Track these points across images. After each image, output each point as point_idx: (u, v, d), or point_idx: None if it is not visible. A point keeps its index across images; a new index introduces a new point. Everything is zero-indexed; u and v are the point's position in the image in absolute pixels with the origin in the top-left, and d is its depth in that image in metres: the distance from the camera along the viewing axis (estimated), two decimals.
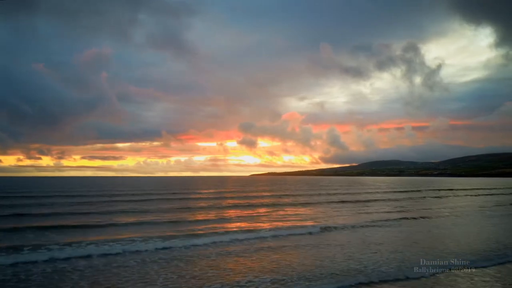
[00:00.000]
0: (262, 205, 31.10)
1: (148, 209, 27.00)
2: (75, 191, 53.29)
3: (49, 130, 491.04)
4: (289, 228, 17.84)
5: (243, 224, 19.32)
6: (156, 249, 13.04)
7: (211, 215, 23.51)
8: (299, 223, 19.57)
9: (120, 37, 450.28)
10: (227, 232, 16.26)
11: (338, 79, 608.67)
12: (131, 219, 21.04)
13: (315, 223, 19.39)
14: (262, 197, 42.52)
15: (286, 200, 37.62)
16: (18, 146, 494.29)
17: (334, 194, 48.91)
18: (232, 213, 25.09)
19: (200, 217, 22.38)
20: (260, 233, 16.10)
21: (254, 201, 35.28)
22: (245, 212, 25.76)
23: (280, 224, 19.43)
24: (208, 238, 14.73)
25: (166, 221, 19.99)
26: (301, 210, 27.21)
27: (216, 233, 16.07)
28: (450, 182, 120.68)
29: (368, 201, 36.47)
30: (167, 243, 13.71)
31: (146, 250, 12.76)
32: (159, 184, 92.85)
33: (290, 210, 27.10)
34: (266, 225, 18.82)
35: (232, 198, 40.76)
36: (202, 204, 32.32)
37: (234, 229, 17.22)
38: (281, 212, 25.62)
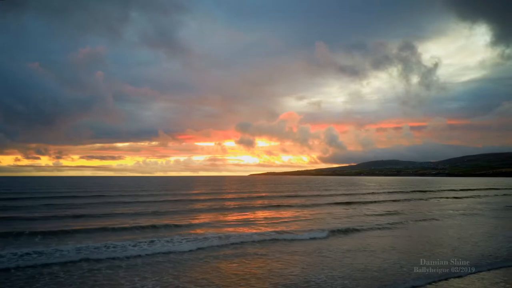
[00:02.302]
0: (237, 208, 29.46)
1: (122, 212, 25.30)
2: (59, 191, 51.63)
3: (47, 130, 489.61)
4: (240, 236, 16.15)
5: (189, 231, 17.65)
6: (72, 261, 11.39)
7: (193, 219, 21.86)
8: (265, 229, 17.93)
9: (113, 35, 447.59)
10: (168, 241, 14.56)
11: (337, 79, 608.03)
12: (94, 223, 19.39)
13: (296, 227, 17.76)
14: (243, 199, 40.91)
15: (263, 201, 36.00)
16: (15, 145, 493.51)
17: (324, 196, 47.34)
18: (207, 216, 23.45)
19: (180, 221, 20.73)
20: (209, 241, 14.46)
21: (228, 203, 33.66)
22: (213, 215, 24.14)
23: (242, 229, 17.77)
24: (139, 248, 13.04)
25: (134, 226, 18.30)
26: (284, 213, 25.60)
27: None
28: (446, 182, 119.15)
29: (351, 203, 34.90)
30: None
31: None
32: (155, 185, 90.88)
33: (268, 212, 25.49)
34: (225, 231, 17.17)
35: (219, 200, 39.15)
36: (194, 206, 30.68)
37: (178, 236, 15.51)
38: (262, 214, 24.00)
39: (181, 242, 14.27)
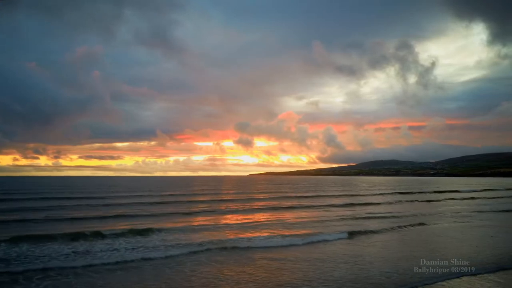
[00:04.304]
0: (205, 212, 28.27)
1: (85, 216, 24.07)
2: (42, 192, 50.39)
3: (45, 130, 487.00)
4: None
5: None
6: None
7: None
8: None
9: (111, 35, 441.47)
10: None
11: (336, 79, 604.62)
12: (34, 229, 18.16)
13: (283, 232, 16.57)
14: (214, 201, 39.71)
15: (239, 205, 34.83)
16: (13, 145, 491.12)
17: (311, 197, 46.18)
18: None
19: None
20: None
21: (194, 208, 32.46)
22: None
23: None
24: None
25: (73, 232, 16.81)
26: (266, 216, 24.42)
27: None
28: (443, 182, 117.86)
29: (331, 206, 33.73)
30: None
31: None
32: (150, 185, 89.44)
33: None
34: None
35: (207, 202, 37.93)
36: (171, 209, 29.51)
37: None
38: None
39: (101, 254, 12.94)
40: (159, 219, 22.92)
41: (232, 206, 32.39)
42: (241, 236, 16.71)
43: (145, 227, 18.54)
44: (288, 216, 25.02)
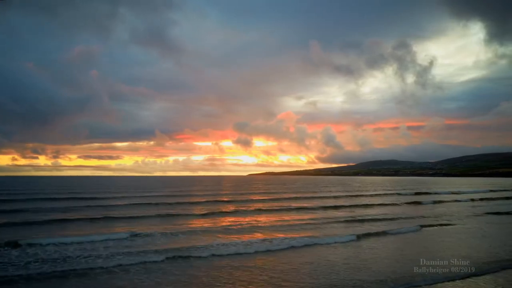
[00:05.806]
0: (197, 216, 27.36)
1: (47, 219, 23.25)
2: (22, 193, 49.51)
3: (44, 130, 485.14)
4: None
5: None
6: None
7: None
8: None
9: (108, 34, 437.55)
10: None
11: (335, 78, 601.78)
12: None
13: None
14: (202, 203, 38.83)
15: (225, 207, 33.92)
16: (12, 145, 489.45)
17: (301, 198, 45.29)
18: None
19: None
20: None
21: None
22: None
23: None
24: None
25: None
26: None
27: None
28: (440, 182, 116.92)
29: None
30: None
31: None
32: (145, 185, 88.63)
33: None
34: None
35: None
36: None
37: None
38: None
39: None
40: (131, 222, 21.99)
41: (219, 208, 31.44)
42: (208, 242, 15.68)
43: (109, 232, 17.73)
44: (267, 219, 24.12)
